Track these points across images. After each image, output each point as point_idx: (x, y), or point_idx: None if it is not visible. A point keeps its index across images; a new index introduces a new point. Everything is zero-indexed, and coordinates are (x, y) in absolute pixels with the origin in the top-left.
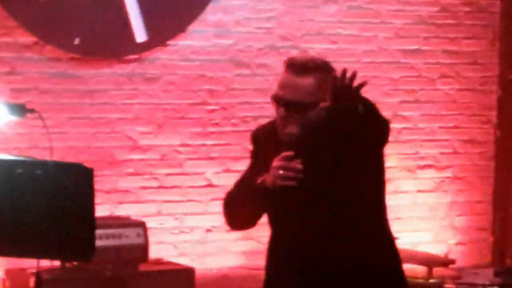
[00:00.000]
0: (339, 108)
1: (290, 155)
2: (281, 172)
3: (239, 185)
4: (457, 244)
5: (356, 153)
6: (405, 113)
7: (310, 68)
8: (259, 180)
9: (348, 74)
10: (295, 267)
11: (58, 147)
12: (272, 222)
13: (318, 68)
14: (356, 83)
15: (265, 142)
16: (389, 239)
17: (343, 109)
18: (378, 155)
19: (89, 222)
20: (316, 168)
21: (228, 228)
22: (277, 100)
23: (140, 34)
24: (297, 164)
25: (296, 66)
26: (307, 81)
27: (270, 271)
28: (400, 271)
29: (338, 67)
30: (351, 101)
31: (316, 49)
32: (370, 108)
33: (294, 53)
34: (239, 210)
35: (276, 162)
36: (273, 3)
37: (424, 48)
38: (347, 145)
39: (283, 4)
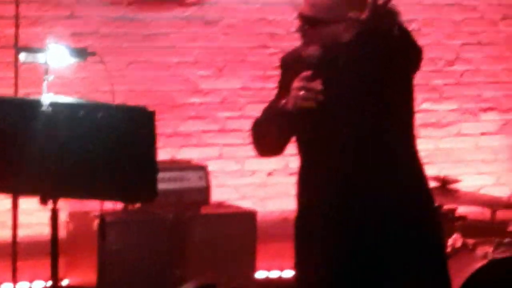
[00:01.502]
0: (373, 26)
1: (309, 75)
2: (300, 92)
3: (265, 111)
4: None
5: (386, 75)
6: (467, 55)
7: None
8: (281, 103)
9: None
10: (326, 196)
11: (119, 90)
12: (299, 147)
13: None
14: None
15: (292, 67)
16: (420, 165)
17: (377, 28)
18: (408, 81)
19: (151, 165)
20: (339, 90)
21: (258, 155)
22: (298, 17)
23: None
24: (317, 84)
25: None
26: None
27: (302, 201)
28: (432, 198)
29: (399, 9)
30: (387, 22)
31: None
32: (405, 32)
33: None
34: (265, 135)
35: (295, 83)
36: None
37: None
38: (377, 66)
39: None
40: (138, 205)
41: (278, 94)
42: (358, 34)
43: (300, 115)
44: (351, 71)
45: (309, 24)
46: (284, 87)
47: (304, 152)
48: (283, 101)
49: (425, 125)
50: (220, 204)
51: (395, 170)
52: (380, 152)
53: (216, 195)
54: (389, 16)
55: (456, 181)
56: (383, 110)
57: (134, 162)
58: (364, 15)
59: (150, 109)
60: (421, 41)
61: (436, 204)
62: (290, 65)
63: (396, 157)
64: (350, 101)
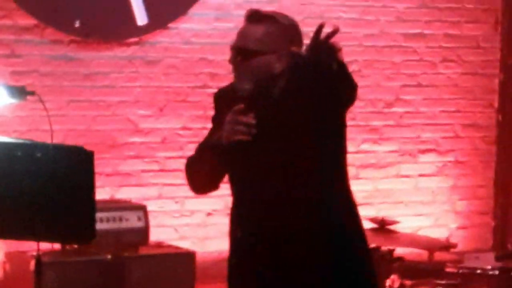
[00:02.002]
0: (313, 60)
1: (242, 109)
2: (233, 126)
3: (199, 148)
4: (459, 228)
5: (319, 110)
6: (407, 97)
7: (261, 16)
8: (215, 138)
9: (327, 30)
10: (256, 230)
11: (58, 130)
12: (231, 183)
13: (269, 17)
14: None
15: (225, 103)
16: (351, 203)
17: (316, 62)
18: (341, 116)
19: (90, 205)
20: (272, 123)
21: (193, 193)
22: (231, 49)
23: (141, 17)
24: (250, 118)
25: (249, 15)
26: (257, 28)
27: (232, 238)
28: (362, 236)
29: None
30: (326, 58)
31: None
32: (343, 68)
33: None
34: (200, 171)
35: (228, 117)
36: None
37: (426, 32)
38: (311, 99)
39: None
40: (76, 245)
41: (212, 130)
42: (294, 66)
43: (233, 149)
44: (283, 103)
45: (241, 56)
46: (218, 122)
47: (235, 187)
48: (217, 135)
49: (365, 166)
50: (159, 244)
51: (324, 207)
52: (309, 186)
53: (155, 235)
54: (330, 51)
55: (394, 222)
56: (314, 144)
57: (73, 202)
58: (305, 50)
59: (89, 149)
60: (361, 82)
61: (374, 245)
62: (224, 100)
63: (324, 193)
64: (281, 134)
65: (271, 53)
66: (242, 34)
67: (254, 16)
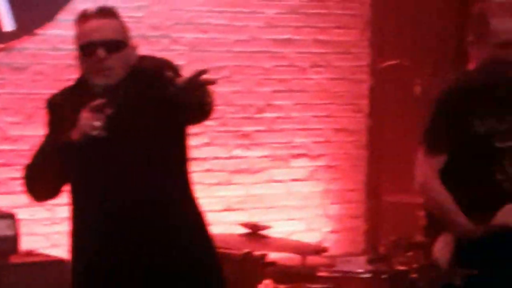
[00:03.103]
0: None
1: (100, 104)
2: (90, 121)
3: (39, 154)
4: (331, 232)
5: (160, 119)
6: (278, 102)
7: (110, 11)
8: (65, 136)
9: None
10: (100, 229)
11: None
12: (76, 186)
13: (114, 12)
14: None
15: (64, 106)
16: (197, 210)
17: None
18: (183, 130)
19: None
20: (122, 123)
21: (34, 201)
22: (91, 45)
23: (7, 23)
24: (107, 111)
25: (97, 12)
26: (113, 21)
27: (76, 238)
28: (209, 240)
29: (209, 56)
30: (195, 95)
31: (187, 38)
32: (205, 99)
33: (165, 42)
34: (42, 177)
35: (85, 112)
36: None
37: (295, 37)
38: (151, 108)
39: None
40: None
41: (49, 136)
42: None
43: (86, 145)
44: (129, 106)
45: (105, 49)
46: (55, 127)
47: (76, 194)
48: (65, 136)
49: (237, 172)
50: (29, 253)
51: (165, 214)
52: (150, 195)
53: (26, 243)
54: (202, 90)
55: (266, 227)
56: (156, 148)
57: None
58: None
59: None
60: (232, 88)
61: (247, 250)
62: (63, 106)
63: (166, 201)
64: (128, 135)
65: (129, 44)
66: (97, 29)
67: (105, 11)
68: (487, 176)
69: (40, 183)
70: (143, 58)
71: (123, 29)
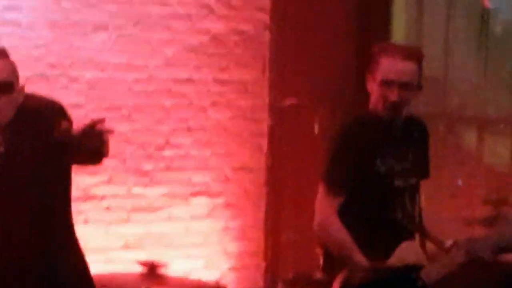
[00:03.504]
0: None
1: None
2: None
3: None
4: (230, 269)
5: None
6: (177, 141)
7: (2, 52)
8: None
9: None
10: None
11: None
12: None
13: (5, 52)
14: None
15: None
16: (78, 250)
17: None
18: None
19: None
20: (15, 160)
21: None
22: None
23: None
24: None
25: None
26: (4, 62)
27: None
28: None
29: (108, 94)
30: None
31: (86, 76)
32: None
33: (63, 81)
34: None
35: None
36: (41, 31)
37: (195, 76)
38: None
39: (52, 32)
40: None
41: None
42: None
43: None
44: (16, 145)
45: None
46: None
47: None
48: None
49: (136, 210)
50: None
51: (47, 248)
52: (34, 229)
53: None
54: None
55: (164, 265)
56: (39, 190)
57: None
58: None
59: None
60: (131, 126)
61: None
62: None
63: (48, 233)
64: (11, 179)
65: (18, 84)
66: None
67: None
68: (387, 214)
69: None
70: (30, 97)
71: (13, 70)
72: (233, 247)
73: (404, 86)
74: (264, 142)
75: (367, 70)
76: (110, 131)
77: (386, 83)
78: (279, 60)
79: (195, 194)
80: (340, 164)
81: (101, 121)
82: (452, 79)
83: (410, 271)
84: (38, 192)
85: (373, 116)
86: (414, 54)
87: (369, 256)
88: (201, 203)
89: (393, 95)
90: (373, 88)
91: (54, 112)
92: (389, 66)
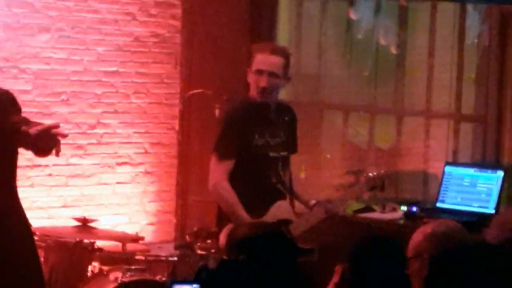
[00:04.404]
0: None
1: None
2: None
3: None
4: (148, 224)
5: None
6: (106, 121)
7: None
8: None
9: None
10: None
11: None
12: None
13: None
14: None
15: None
16: (19, 208)
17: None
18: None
19: None
20: None
21: None
22: None
23: None
24: None
25: None
26: None
27: None
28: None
29: (51, 83)
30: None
31: (32, 69)
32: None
33: (14, 72)
34: None
35: None
36: None
37: (121, 70)
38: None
39: (5, 33)
40: None
41: None
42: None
43: None
44: None
45: None
46: None
47: None
48: None
49: (72, 176)
50: None
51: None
52: None
53: None
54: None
55: (94, 220)
56: None
57: None
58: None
59: None
60: (69, 109)
61: (78, 239)
62: None
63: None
64: None
65: None
66: None
67: None
68: (264, 179)
69: None
70: None
71: None
72: (150, 206)
73: (272, 74)
74: (176, 123)
75: (247, 66)
76: (64, 135)
77: (258, 72)
78: (188, 57)
79: (121, 164)
80: (226, 138)
81: (56, 126)
82: (324, 74)
83: (281, 225)
84: None
85: (251, 101)
86: (281, 51)
87: (251, 213)
88: (125, 171)
89: (263, 82)
90: (251, 78)
91: (7, 100)
92: (261, 59)
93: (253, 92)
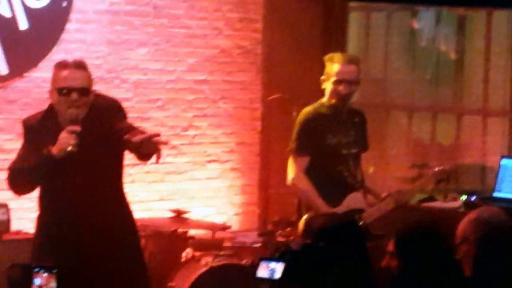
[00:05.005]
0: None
1: (75, 129)
2: (68, 140)
3: (20, 159)
4: (234, 215)
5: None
6: (197, 124)
7: (83, 65)
8: (45, 151)
9: (157, 138)
10: (64, 229)
11: None
12: (47, 188)
13: (86, 65)
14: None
15: (37, 127)
16: (125, 203)
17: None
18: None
19: None
20: (88, 143)
21: (15, 194)
22: (67, 89)
23: (3, 68)
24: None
25: (74, 64)
26: (85, 73)
27: (42, 221)
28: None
29: (148, 91)
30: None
31: (132, 79)
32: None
33: (116, 82)
34: (23, 180)
35: (63, 134)
36: (100, 46)
37: (210, 78)
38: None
39: (108, 47)
40: None
41: (25, 147)
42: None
43: (62, 158)
44: (89, 133)
45: (78, 93)
46: (28, 141)
47: (46, 191)
48: (45, 150)
49: (168, 173)
50: (18, 232)
51: (105, 201)
52: (97, 188)
53: (15, 225)
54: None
55: (187, 212)
56: (102, 163)
57: None
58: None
59: None
60: (164, 114)
61: (174, 228)
62: (36, 126)
63: (106, 192)
64: (85, 154)
65: (92, 88)
66: (73, 78)
67: (79, 63)
68: (337, 173)
69: (20, 183)
70: (98, 96)
71: (89, 79)
72: (236, 199)
73: (350, 82)
74: (258, 125)
75: (324, 74)
76: (164, 143)
77: (338, 82)
78: (268, 66)
79: (210, 161)
80: (302, 137)
81: (157, 134)
82: (389, 78)
83: (355, 214)
84: (100, 162)
85: (325, 104)
86: (355, 60)
87: (326, 202)
88: (214, 168)
89: (344, 90)
90: (328, 86)
91: (115, 107)
92: (340, 69)
93: (332, 98)
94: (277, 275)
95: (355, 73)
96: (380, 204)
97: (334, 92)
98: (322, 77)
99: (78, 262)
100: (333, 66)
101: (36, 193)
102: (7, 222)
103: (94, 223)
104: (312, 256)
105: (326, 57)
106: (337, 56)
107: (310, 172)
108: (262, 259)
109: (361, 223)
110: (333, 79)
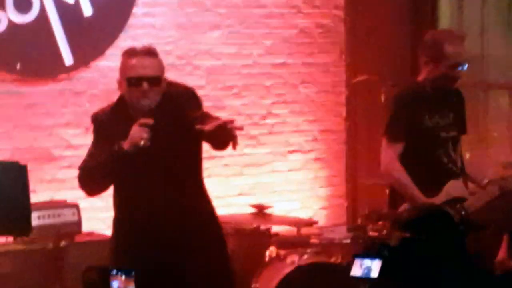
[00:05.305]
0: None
1: (147, 121)
2: (140, 133)
3: (91, 157)
4: (320, 209)
5: (182, 135)
6: (276, 111)
7: (153, 51)
8: (116, 146)
9: (231, 124)
10: (136, 215)
11: (7, 149)
12: (120, 187)
13: (156, 52)
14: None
15: (107, 121)
16: (207, 199)
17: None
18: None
19: (24, 206)
20: (162, 136)
21: (86, 195)
22: (138, 79)
23: (68, 58)
24: (150, 124)
25: (143, 51)
26: (155, 60)
27: (118, 223)
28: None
29: (222, 78)
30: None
31: (205, 64)
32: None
33: (188, 68)
34: (94, 178)
35: (134, 127)
36: (170, 31)
37: (289, 61)
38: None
39: (178, 32)
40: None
41: (96, 143)
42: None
43: (134, 152)
44: (163, 125)
45: (148, 82)
46: (99, 136)
47: (120, 190)
48: (116, 145)
49: (247, 165)
50: (90, 234)
51: (185, 198)
52: (176, 184)
53: (87, 226)
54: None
55: (269, 207)
56: (179, 157)
57: (12, 204)
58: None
59: (24, 163)
60: (240, 101)
61: (255, 225)
62: (106, 121)
63: (186, 187)
64: (159, 148)
65: (164, 77)
66: (143, 66)
67: (149, 50)
68: (435, 159)
69: (92, 183)
70: (171, 84)
71: (161, 66)
72: (321, 191)
73: (462, 65)
74: (343, 110)
75: (423, 53)
76: (239, 128)
77: (453, 65)
78: (352, 46)
79: (291, 152)
80: (397, 121)
81: (231, 121)
82: (487, 54)
83: (456, 203)
84: (177, 156)
85: (424, 85)
86: (464, 38)
87: (423, 192)
88: (296, 159)
89: (458, 73)
90: (433, 68)
91: (189, 96)
92: (454, 51)
93: (439, 81)
94: (374, 273)
95: (466, 53)
96: (483, 192)
97: (448, 77)
98: (423, 59)
99: (158, 265)
100: (445, 47)
101: (108, 192)
102: (78, 223)
103: (174, 222)
104: (412, 252)
105: (430, 33)
106: (449, 35)
107: (405, 158)
108: (356, 256)
109: (463, 213)
110: (446, 63)
